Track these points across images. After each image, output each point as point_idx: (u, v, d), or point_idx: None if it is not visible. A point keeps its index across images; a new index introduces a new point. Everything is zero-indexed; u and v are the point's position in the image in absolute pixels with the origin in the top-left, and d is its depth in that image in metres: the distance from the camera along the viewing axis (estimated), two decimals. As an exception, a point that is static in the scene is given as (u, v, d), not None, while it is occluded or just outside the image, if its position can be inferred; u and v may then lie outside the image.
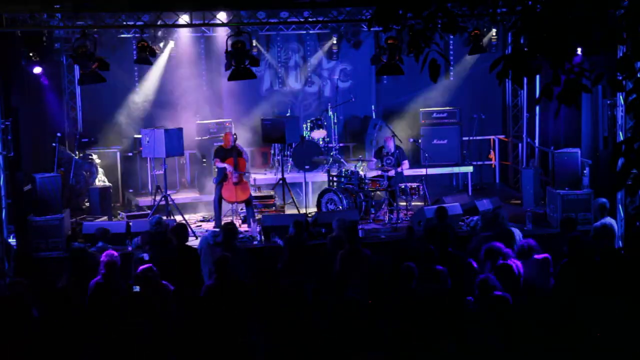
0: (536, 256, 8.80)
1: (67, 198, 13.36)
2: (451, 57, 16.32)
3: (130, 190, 14.90)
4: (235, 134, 13.10)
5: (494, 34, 14.74)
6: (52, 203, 11.82)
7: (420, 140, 15.20)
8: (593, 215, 11.46)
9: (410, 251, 9.25)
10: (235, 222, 12.93)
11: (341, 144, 15.95)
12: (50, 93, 14.18)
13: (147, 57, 12.22)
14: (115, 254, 8.65)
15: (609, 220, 10.45)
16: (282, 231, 10.97)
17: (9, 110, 10.85)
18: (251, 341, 7.34)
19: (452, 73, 16.57)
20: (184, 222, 11.87)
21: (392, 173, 13.22)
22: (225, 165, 12.69)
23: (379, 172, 13.48)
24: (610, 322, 6.93)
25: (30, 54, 12.43)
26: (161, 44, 14.78)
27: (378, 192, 13.40)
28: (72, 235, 12.05)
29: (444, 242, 9.14)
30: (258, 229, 12.02)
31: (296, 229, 9.93)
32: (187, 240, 9.78)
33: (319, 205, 13.17)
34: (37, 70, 12.62)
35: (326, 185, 13.71)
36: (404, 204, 13.17)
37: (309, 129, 15.20)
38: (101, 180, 14.12)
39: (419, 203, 13.40)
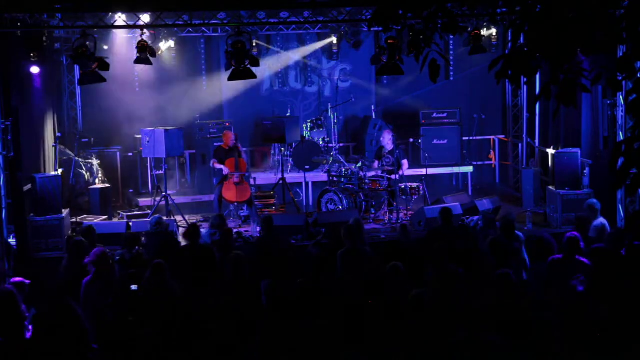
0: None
1: (67, 198, 13.35)
2: (451, 57, 16.31)
3: (130, 190, 14.89)
4: (236, 134, 13.09)
5: (494, 34, 14.73)
6: (52, 203, 11.80)
7: (420, 140, 15.18)
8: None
9: (404, 250, 9.21)
10: (233, 222, 12.99)
11: (341, 144, 15.95)
12: (50, 93, 14.14)
13: (147, 57, 12.22)
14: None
15: (601, 220, 10.27)
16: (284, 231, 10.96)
17: (9, 110, 10.83)
18: None
19: (452, 73, 16.56)
20: (194, 222, 11.65)
21: (393, 177, 13.15)
22: (222, 167, 12.66)
23: (379, 173, 13.46)
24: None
25: (30, 54, 12.41)
26: (162, 44, 14.77)
27: (378, 192, 13.39)
28: (72, 236, 12.02)
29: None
30: (258, 229, 12.01)
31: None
32: (199, 240, 9.75)
33: (319, 205, 13.17)
34: (35, 70, 12.51)
35: (326, 186, 13.71)
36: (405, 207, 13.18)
37: (309, 129, 15.20)
38: (101, 180, 14.12)
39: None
